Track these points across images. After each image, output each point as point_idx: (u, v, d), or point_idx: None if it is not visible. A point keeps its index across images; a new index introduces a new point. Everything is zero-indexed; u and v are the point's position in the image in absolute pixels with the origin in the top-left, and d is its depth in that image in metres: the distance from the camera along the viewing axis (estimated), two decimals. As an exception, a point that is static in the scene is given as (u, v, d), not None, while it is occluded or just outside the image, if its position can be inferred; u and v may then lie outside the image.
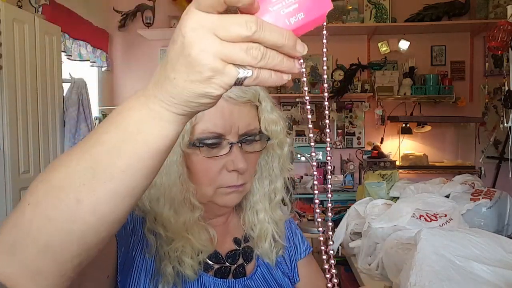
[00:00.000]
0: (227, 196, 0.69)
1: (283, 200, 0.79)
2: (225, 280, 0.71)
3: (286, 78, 0.36)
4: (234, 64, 0.34)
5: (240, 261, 0.76)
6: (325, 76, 0.44)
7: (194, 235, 0.66)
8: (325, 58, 0.44)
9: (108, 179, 0.38)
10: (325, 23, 0.38)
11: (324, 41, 0.42)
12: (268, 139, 0.71)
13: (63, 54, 2.95)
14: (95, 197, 0.38)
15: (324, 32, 0.40)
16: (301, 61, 0.37)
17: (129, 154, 0.37)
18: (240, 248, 0.77)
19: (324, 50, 0.42)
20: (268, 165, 0.76)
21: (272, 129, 0.71)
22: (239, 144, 0.66)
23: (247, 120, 0.67)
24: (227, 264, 0.74)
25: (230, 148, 0.65)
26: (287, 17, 0.35)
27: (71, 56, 3.20)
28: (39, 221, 0.38)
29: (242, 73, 0.34)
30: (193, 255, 0.66)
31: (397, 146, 3.92)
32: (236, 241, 0.78)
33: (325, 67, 0.43)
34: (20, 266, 0.39)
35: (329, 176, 0.50)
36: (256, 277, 0.76)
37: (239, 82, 0.35)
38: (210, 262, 0.72)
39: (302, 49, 0.36)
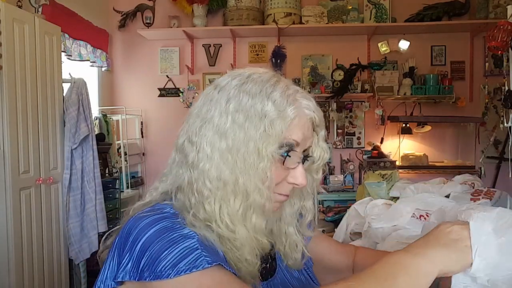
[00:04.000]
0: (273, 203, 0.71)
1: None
2: None
3: None
4: None
5: (263, 264, 0.78)
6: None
7: None
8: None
9: None
10: None
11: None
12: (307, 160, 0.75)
13: (63, 54, 2.95)
14: None
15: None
16: None
17: None
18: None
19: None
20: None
21: (325, 156, 0.74)
22: (303, 161, 0.71)
23: (311, 142, 0.72)
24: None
25: (298, 163, 0.69)
26: None
27: (71, 56, 3.20)
28: None
29: None
30: None
31: (397, 146, 3.91)
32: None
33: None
34: None
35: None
36: (278, 277, 0.79)
37: None
38: None
39: None
